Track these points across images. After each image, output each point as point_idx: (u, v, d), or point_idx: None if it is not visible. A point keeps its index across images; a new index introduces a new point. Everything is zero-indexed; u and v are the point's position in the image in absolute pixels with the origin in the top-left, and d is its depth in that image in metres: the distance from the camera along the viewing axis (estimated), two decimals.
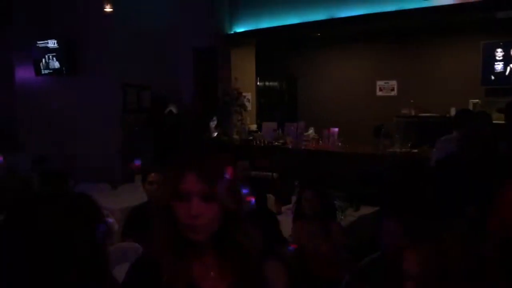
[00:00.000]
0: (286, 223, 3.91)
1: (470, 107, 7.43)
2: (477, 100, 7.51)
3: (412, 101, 8.14)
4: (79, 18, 7.58)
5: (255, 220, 1.39)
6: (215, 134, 7.10)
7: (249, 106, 8.74)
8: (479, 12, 6.46)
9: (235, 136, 8.00)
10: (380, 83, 8.98)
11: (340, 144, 7.16)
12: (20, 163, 6.77)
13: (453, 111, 7.42)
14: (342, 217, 3.97)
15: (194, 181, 1.17)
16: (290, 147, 7.34)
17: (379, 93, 9.00)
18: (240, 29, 8.55)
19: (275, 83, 10.33)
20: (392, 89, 8.90)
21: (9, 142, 7.62)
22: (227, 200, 1.20)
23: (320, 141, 7.46)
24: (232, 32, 8.60)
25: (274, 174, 6.68)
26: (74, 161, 7.34)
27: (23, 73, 8.33)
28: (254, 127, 8.78)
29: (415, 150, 6.23)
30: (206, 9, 8.28)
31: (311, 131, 7.79)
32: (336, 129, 7.38)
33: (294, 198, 4.41)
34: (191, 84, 8.33)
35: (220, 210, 1.20)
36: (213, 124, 7.21)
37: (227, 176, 1.21)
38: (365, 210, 4.37)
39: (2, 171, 6.55)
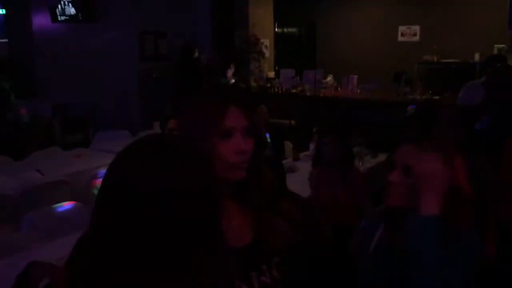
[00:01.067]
0: (303, 169, 3.94)
1: (495, 52, 7.20)
2: (503, 45, 7.27)
3: (435, 46, 7.93)
4: None
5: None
6: (233, 81, 7.04)
7: (267, 52, 8.62)
8: None
9: (253, 83, 7.94)
10: (402, 28, 8.73)
11: (359, 91, 7.07)
12: (41, 110, 6.87)
13: (477, 57, 7.21)
14: (360, 164, 3.97)
15: (237, 116, 1.12)
16: (308, 94, 7.28)
17: (400, 38, 8.78)
18: None
19: (294, 29, 10.11)
20: (415, 34, 8.66)
21: (29, 89, 7.70)
22: (260, 134, 1.17)
23: (339, 88, 7.37)
24: None
25: (292, 121, 6.67)
26: (93, 108, 7.41)
27: (40, 20, 8.28)
28: (272, 74, 8.69)
29: (437, 97, 6.13)
30: None
31: (329, 78, 7.69)
32: (355, 76, 7.27)
33: (311, 145, 4.43)
34: (208, 31, 8.19)
35: (255, 145, 1.15)
36: (230, 71, 7.14)
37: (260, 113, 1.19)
38: (383, 157, 4.35)
39: (26, 119, 6.68)
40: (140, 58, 7.46)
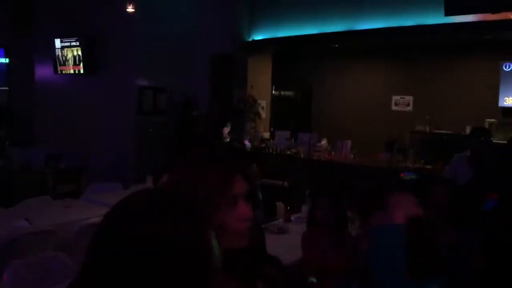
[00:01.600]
0: (294, 231, 3.91)
1: (486, 126, 7.37)
2: (493, 120, 7.45)
3: (427, 117, 8.11)
4: (99, 18, 7.69)
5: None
6: (228, 139, 7.13)
7: (263, 113, 8.76)
8: (499, 31, 6.43)
9: (248, 143, 8.02)
10: (395, 97, 8.95)
11: (352, 156, 7.15)
12: (35, 158, 6.86)
13: (468, 130, 7.36)
14: (352, 228, 3.95)
15: (241, 182, 1.11)
16: (302, 156, 7.34)
17: (394, 107, 8.97)
18: (258, 37, 8.60)
19: (291, 92, 10.35)
20: (408, 105, 8.87)
21: (25, 137, 7.73)
22: (256, 199, 1.17)
23: (333, 153, 7.45)
24: (250, 40, 8.65)
25: (285, 182, 6.68)
26: (88, 159, 7.41)
27: (43, 71, 8.47)
28: (267, 135, 8.79)
29: (429, 166, 6.19)
30: (226, 15, 8.35)
31: (323, 142, 7.78)
32: (349, 141, 7.37)
33: (304, 207, 4.42)
34: (207, 89, 8.38)
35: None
36: (226, 129, 7.24)
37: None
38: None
39: (18, 166, 6.65)
40: (138, 112, 7.57)
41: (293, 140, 7.82)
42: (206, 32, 8.26)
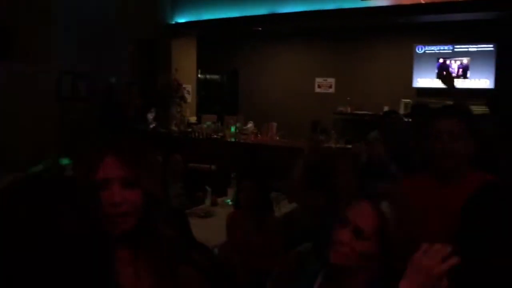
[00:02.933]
0: (221, 214, 3.94)
1: (402, 106, 7.77)
2: (409, 100, 7.86)
3: (348, 98, 8.40)
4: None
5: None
6: (153, 125, 6.99)
7: (189, 98, 8.68)
8: (411, 15, 6.79)
9: (174, 128, 7.92)
10: (318, 80, 9.17)
11: (278, 138, 7.29)
12: None
13: (386, 110, 7.73)
14: (277, 209, 4.04)
15: (113, 166, 1.08)
16: (229, 140, 7.37)
17: (317, 89, 9.20)
18: (181, 19, 8.46)
19: (216, 76, 10.31)
20: (330, 87, 9.12)
21: None
22: (150, 187, 1.12)
23: (259, 135, 7.55)
24: (174, 23, 8.49)
25: (212, 166, 6.69)
26: (5, 148, 6.98)
27: None
28: (193, 119, 8.73)
29: (350, 146, 6.44)
30: None
31: (250, 125, 7.86)
32: (275, 124, 7.50)
33: (230, 190, 4.46)
34: (130, 74, 8.14)
35: (143, 198, 1.11)
36: (151, 115, 7.10)
37: (149, 161, 1.14)
38: None
39: None
40: (58, 99, 7.20)
41: (219, 123, 7.83)
42: (128, 15, 7.97)
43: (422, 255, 1.12)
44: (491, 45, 7.22)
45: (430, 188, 1.87)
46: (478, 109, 5.81)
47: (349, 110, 8.40)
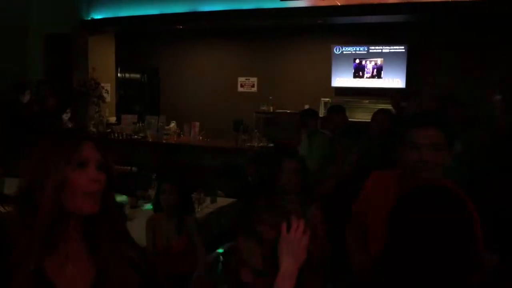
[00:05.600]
0: (142, 217, 3.82)
1: (322, 105, 8.01)
2: (328, 99, 8.12)
3: (270, 97, 8.51)
4: None
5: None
6: (69, 126, 6.64)
7: (108, 97, 8.38)
8: (327, 16, 7.02)
9: (92, 129, 7.59)
10: (241, 79, 9.21)
11: (201, 138, 7.23)
12: None
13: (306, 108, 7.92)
14: (199, 210, 4.00)
15: (91, 148, 1.22)
16: (150, 140, 7.20)
17: (240, 89, 9.23)
18: (98, 15, 8.14)
19: (137, 75, 10.01)
20: (253, 86, 9.19)
21: None
22: (112, 172, 1.25)
23: (182, 135, 7.44)
24: (90, 19, 8.14)
25: (133, 168, 6.49)
26: None
27: None
28: (113, 119, 8.44)
29: (271, 145, 6.52)
30: None
31: (172, 124, 7.73)
32: (198, 123, 7.43)
33: (151, 192, 4.34)
34: (42, 72, 7.70)
35: (106, 182, 1.24)
36: (66, 116, 6.73)
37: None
38: (223, 202, 4.45)
39: None
40: None
41: (140, 123, 7.62)
42: (39, 8, 7.53)
43: (287, 232, 1.39)
44: (403, 47, 7.63)
45: (395, 192, 1.80)
46: (388, 107, 6.15)
47: (271, 109, 8.52)
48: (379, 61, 7.86)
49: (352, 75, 8.05)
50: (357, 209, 2.10)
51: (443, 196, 1.34)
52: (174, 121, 7.82)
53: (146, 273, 1.32)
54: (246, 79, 9.20)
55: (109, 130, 7.56)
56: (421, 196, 1.36)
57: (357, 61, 8.01)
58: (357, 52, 8.02)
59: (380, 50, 7.84)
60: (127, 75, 9.75)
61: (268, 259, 1.43)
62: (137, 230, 3.42)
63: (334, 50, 8.13)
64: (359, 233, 2.05)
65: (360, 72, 8.01)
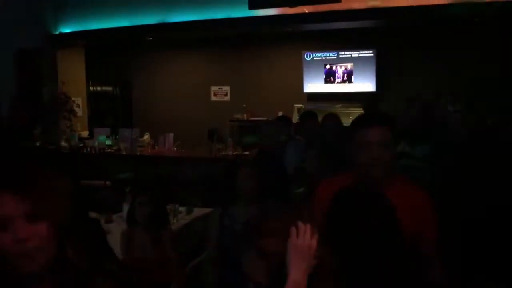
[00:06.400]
0: (117, 231, 3.78)
1: (295, 111, 8.08)
2: (301, 105, 8.19)
3: (244, 105, 8.54)
4: None
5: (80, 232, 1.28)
6: (40, 142, 6.53)
7: (79, 111, 8.28)
8: (296, 23, 7.11)
9: (64, 144, 7.48)
10: (214, 88, 9.22)
11: (175, 149, 7.20)
12: None
13: (280, 115, 7.98)
14: (175, 221, 3.98)
15: (13, 202, 0.99)
16: (124, 153, 7.14)
17: (213, 98, 9.24)
18: (66, 29, 8.05)
19: (109, 88, 9.92)
20: (226, 95, 9.20)
21: None
22: (59, 216, 1.05)
23: (156, 146, 7.40)
24: (58, 33, 8.05)
25: (107, 182, 6.42)
26: None
27: None
28: (86, 133, 8.34)
29: (247, 153, 6.53)
30: (27, 5, 7.59)
31: (146, 136, 7.68)
32: (171, 134, 7.40)
33: (125, 206, 4.30)
34: (11, 87, 7.55)
35: (53, 229, 1.04)
36: (37, 132, 6.63)
37: (54, 188, 1.06)
38: (198, 212, 4.44)
39: None
40: None
41: (114, 137, 7.55)
42: (7, 24, 7.40)
43: (297, 238, 1.36)
44: (371, 51, 7.76)
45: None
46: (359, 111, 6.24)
47: (245, 117, 8.54)
48: (349, 66, 7.97)
49: (323, 80, 8.14)
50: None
51: (363, 198, 1.45)
52: (148, 133, 7.78)
53: (129, 284, 1.24)
54: (219, 88, 9.22)
55: (81, 145, 7.46)
56: (346, 199, 1.46)
57: (328, 66, 8.11)
58: (327, 57, 8.12)
59: (349, 55, 7.96)
60: (98, 88, 9.65)
61: (273, 272, 1.42)
62: (113, 244, 3.40)
63: (305, 56, 8.22)
64: None
65: (331, 77, 8.11)
